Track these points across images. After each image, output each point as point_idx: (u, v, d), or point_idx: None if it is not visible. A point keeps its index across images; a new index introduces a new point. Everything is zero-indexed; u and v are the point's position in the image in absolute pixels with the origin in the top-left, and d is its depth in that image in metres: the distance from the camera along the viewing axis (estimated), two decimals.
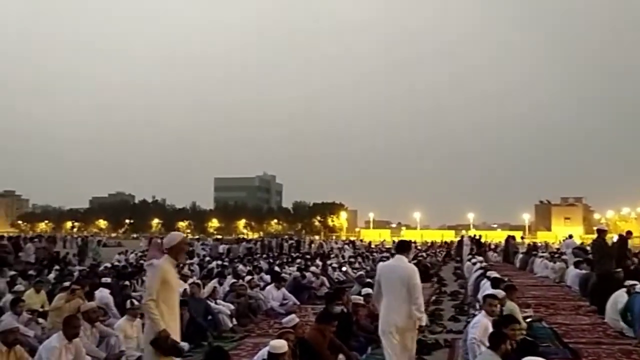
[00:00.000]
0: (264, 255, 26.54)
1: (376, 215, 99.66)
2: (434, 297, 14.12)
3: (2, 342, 5.50)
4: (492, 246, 41.31)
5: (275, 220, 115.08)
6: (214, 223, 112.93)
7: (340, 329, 7.09)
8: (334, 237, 63.59)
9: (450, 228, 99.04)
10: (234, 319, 10.01)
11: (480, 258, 18.72)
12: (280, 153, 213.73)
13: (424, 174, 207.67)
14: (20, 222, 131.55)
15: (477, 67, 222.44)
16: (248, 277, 12.94)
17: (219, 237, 66.93)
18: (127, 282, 12.26)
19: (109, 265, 17.96)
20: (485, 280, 11.31)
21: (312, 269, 15.81)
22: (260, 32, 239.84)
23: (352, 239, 60.16)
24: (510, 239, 32.02)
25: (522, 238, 59.45)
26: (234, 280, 12.17)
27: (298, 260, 20.69)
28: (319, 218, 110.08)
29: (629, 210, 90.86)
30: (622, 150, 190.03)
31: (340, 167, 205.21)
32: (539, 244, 43.30)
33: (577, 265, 16.41)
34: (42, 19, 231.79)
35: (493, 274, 11.74)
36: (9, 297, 9.36)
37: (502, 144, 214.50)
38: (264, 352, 5.45)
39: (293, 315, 6.61)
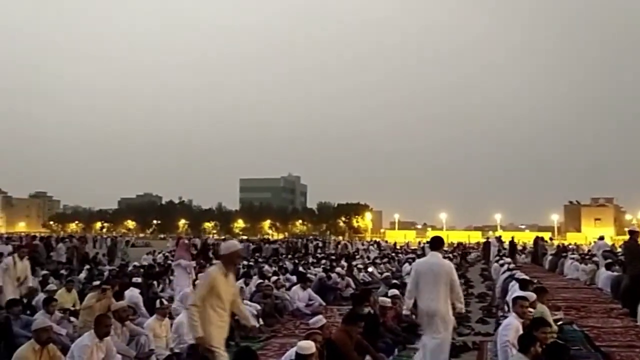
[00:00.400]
0: (289, 256, 26.64)
1: (401, 216, 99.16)
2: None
3: (36, 341, 5.61)
4: (520, 247, 40.67)
5: (300, 221, 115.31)
6: (240, 224, 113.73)
7: (367, 330, 7.06)
8: (356, 239, 63.25)
9: (476, 229, 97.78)
10: (260, 319, 10.06)
11: (509, 259, 18.47)
12: (305, 154, 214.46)
13: (450, 174, 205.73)
14: (51, 222, 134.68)
15: (502, 66, 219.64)
16: (274, 278, 12.99)
17: (245, 237, 67.39)
18: (154, 282, 12.42)
19: (137, 264, 18.26)
20: (513, 282, 11.15)
21: (338, 269, 15.80)
22: (283, 33, 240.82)
23: (377, 239, 59.87)
24: (539, 240, 31.46)
25: (551, 239, 58.22)
26: (260, 281, 12.23)
27: (323, 261, 20.70)
28: (343, 219, 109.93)
29: None
30: None
31: (365, 168, 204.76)
32: (569, 246, 42.41)
33: (608, 267, 16.07)
34: (58, 24, 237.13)
35: (521, 275, 11.57)
36: (41, 296, 9.57)
37: (531, 144, 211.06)
38: (291, 352, 5.46)
39: (320, 316, 6.60)
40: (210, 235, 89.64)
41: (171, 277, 13.95)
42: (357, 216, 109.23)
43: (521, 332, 5.92)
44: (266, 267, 17.21)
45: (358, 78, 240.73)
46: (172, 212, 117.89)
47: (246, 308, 9.82)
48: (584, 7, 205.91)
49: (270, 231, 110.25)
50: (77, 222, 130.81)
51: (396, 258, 26.10)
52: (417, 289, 6.36)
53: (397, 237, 67.90)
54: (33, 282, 12.13)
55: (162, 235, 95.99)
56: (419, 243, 48.07)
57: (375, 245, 41.11)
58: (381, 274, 18.39)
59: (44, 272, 13.61)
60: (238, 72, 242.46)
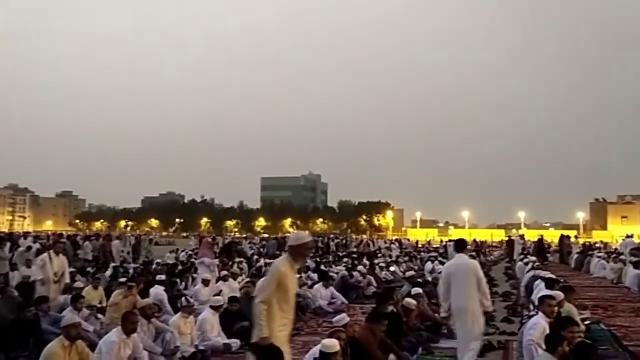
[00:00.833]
0: (311, 254, 26.67)
1: (423, 214, 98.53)
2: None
3: (65, 337, 5.70)
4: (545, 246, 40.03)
5: (321, 219, 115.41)
6: (261, 222, 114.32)
7: (390, 329, 7.03)
8: (375, 237, 63.01)
9: (499, 227, 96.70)
10: None
11: (533, 258, 18.22)
12: (325, 152, 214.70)
13: (473, 172, 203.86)
14: (77, 221, 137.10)
15: (523, 64, 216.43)
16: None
17: (266, 235, 67.66)
18: (178, 280, 12.56)
19: (160, 262, 18.48)
20: (539, 280, 10.99)
21: (360, 268, 15.74)
22: (301, 33, 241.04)
23: (398, 238, 59.57)
24: (565, 238, 30.95)
25: (576, 237, 57.25)
26: None
27: (345, 259, 20.67)
28: (364, 217, 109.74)
29: None
30: None
31: (386, 166, 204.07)
32: (595, 244, 41.63)
33: (636, 265, 15.78)
34: (93, 18, 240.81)
35: (547, 274, 11.39)
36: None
37: (556, 140, 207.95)
38: (315, 350, 5.46)
39: (344, 314, 6.60)
40: (233, 234, 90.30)
41: (194, 275, 14.11)
42: (378, 214, 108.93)
43: (548, 331, 5.83)
44: None
45: (378, 77, 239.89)
46: (194, 211, 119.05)
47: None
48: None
49: (291, 229, 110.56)
50: (102, 220, 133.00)
51: (418, 256, 25.94)
52: (449, 290, 6.71)
53: (419, 235, 67.47)
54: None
55: (184, 234, 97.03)
56: (441, 241, 47.71)
57: (397, 244, 40.89)
58: (403, 272, 18.30)
59: (71, 269, 13.83)
60: (258, 72, 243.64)
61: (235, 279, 12.57)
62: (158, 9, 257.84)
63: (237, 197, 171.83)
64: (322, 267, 16.95)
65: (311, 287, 12.79)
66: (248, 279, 13.27)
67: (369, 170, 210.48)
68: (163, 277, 11.27)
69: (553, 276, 10.86)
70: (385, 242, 43.39)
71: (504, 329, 9.64)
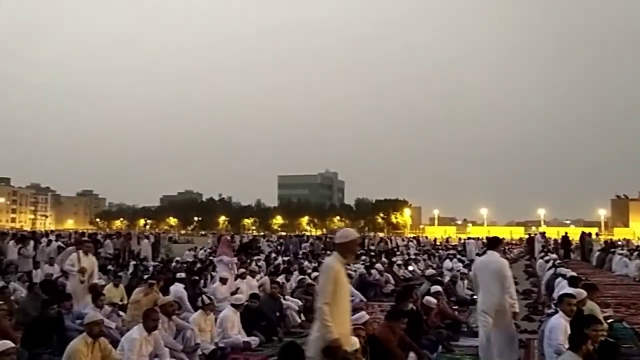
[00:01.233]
0: (328, 252, 26.67)
1: (441, 212, 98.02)
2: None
3: (87, 334, 5.76)
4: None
5: (338, 217, 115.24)
6: (278, 220, 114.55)
7: (410, 327, 7.00)
8: (393, 235, 62.69)
9: (519, 224, 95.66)
10: (301, 315, 10.11)
11: (554, 256, 18.00)
12: (342, 150, 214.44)
13: (491, 169, 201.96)
14: (98, 219, 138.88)
15: (547, 64, 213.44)
16: (314, 274, 13.02)
17: (283, 233, 67.84)
18: (196, 278, 12.65)
19: (179, 260, 18.64)
20: (560, 278, 10.85)
21: (378, 266, 15.70)
22: (318, 35, 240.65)
23: (416, 235, 59.28)
24: (586, 235, 30.51)
25: (597, 235, 56.48)
26: (301, 277, 12.28)
27: (363, 258, 20.64)
28: (382, 215, 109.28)
29: None
30: None
31: (404, 164, 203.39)
32: (617, 241, 40.96)
33: None
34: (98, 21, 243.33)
35: (568, 272, 11.25)
36: (81, 287, 9.69)
37: (576, 137, 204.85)
38: None
39: (363, 312, 6.57)
40: (250, 232, 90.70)
41: (213, 273, 14.20)
42: (395, 212, 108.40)
43: (569, 331, 5.75)
44: (306, 262, 17.27)
45: (397, 74, 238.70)
46: (212, 209, 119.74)
47: (288, 303, 9.98)
48: None
49: (308, 227, 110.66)
50: (121, 219, 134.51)
51: (436, 254, 25.79)
52: (477, 286, 6.96)
53: (437, 233, 67.10)
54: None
55: (203, 232, 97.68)
56: (459, 239, 47.34)
57: (415, 242, 40.69)
58: (422, 270, 18.21)
59: None
60: (275, 73, 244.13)
61: (253, 277, 12.63)
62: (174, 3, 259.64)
63: (255, 195, 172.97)
64: None
65: None
66: (266, 277, 13.34)
67: (386, 168, 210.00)
68: (183, 275, 11.36)
69: (575, 274, 10.73)
70: (403, 240, 43.20)
71: (525, 327, 9.53)
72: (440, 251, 28.89)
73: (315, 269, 14.48)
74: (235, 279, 11.95)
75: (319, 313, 4.35)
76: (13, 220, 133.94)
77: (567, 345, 5.41)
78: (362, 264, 17.20)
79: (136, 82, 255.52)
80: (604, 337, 6.11)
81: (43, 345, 7.03)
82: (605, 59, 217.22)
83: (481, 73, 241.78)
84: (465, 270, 14.80)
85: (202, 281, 13.06)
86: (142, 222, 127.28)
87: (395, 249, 29.90)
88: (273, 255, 22.79)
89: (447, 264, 18.11)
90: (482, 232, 62.44)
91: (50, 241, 19.24)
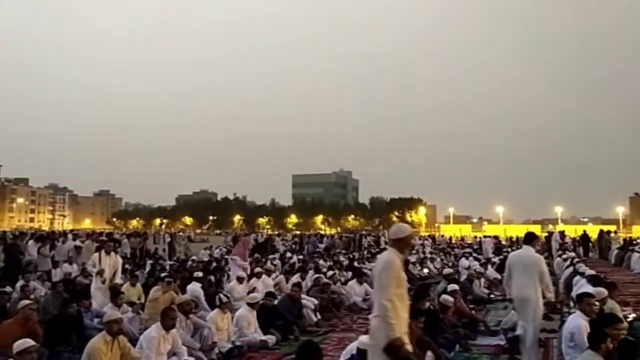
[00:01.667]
0: (344, 251, 26.66)
1: (456, 210, 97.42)
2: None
3: (107, 332, 5.83)
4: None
5: (352, 216, 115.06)
6: (293, 219, 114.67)
7: (427, 326, 6.97)
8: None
9: (535, 223, 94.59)
10: (317, 314, 10.11)
11: (573, 254, 17.79)
12: (356, 149, 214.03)
13: (507, 167, 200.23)
14: (114, 219, 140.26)
15: (563, 62, 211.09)
16: (330, 273, 13.03)
17: (298, 232, 67.91)
18: (212, 277, 12.72)
19: (195, 259, 18.75)
20: (578, 277, 10.72)
21: None
22: (327, 34, 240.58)
23: (431, 234, 58.92)
24: (604, 233, 30.08)
25: (615, 232, 55.60)
26: (317, 275, 12.29)
27: (379, 256, 20.58)
28: (396, 213, 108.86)
29: None
30: None
31: (418, 162, 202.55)
32: (637, 239, 40.31)
33: None
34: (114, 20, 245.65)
35: (587, 270, 11.11)
36: (102, 287, 9.73)
37: (593, 134, 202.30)
38: (352, 347, 5.45)
39: None
40: (265, 231, 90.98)
41: (228, 272, 14.28)
42: (410, 211, 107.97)
43: (588, 330, 5.68)
44: (321, 261, 17.28)
45: (409, 74, 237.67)
46: (227, 209, 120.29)
47: (305, 302, 9.98)
48: None
49: (322, 226, 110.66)
50: (137, 218, 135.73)
51: (452, 253, 25.64)
52: (511, 279, 7.02)
53: (453, 231, 66.58)
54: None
55: (218, 231, 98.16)
56: (475, 237, 47.00)
57: (430, 240, 40.47)
58: (438, 269, 18.11)
59: None
60: (289, 71, 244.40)
61: (269, 276, 12.66)
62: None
63: (269, 194, 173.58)
64: (355, 263, 16.92)
65: (345, 283, 12.78)
66: (281, 275, 13.37)
67: (400, 167, 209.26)
68: (200, 274, 11.42)
69: (593, 272, 10.59)
70: (419, 239, 42.97)
71: (544, 326, 9.40)
72: (456, 250, 28.70)
73: (330, 268, 14.47)
74: (251, 278, 11.99)
75: (382, 310, 4.25)
76: (32, 220, 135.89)
77: (586, 343, 5.35)
78: None
79: (152, 83, 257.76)
80: (624, 336, 6.04)
81: (63, 343, 7.11)
82: (625, 57, 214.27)
83: (498, 73, 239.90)
84: (482, 269, 14.70)
85: (218, 280, 13.11)
86: (157, 221, 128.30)
87: (411, 248, 29.78)
88: (288, 254, 22.84)
89: (464, 262, 17.98)
90: (498, 231, 61.80)
91: (65, 240, 19.43)
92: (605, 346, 5.00)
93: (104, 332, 5.87)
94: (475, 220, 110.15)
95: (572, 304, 9.11)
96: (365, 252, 24.61)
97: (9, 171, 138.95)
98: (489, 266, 17.05)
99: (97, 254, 9.91)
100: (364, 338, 5.08)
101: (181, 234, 45.68)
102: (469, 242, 42.31)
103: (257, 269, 12.66)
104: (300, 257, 20.67)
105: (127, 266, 15.14)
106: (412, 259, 19.39)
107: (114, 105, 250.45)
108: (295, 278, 12.15)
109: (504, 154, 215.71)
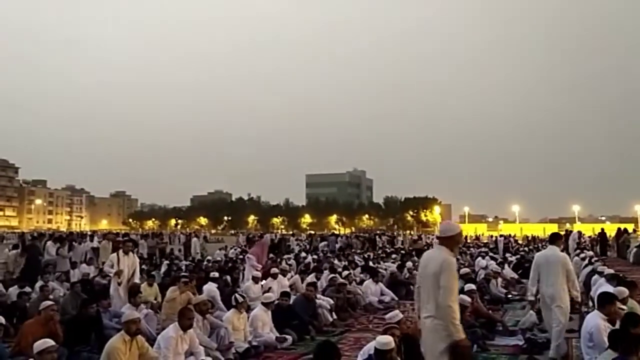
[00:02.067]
0: (359, 250, 26.62)
1: (471, 209, 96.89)
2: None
3: (125, 332, 5.88)
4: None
5: (367, 216, 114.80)
6: (307, 219, 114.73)
7: None
8: (421, 233, 61.99)
9: (552, 221, 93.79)
10: (333, 314, 10.10)
11: (590, 253, 17.56)
12: (370, 148, 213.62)
13: (523, 165, 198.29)
14: (130, 220, 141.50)
15: (577, 59, 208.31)
16: (345, 272, 13.00)
17: (312, 232, 67.94)
18: (228, 277, 12.77)
19: (210, 259, 18.83)
20: (597, 276, 10.58)
21: (408, 264, 15.57)
22: (343, 34, 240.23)
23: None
24: (623, 232, 29.66)
25: (634, 231, 54.79)
26: (332, 275, 12.27)
27: (393, 256, 20.52)
28: (411, 213, 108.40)
29: None
30: None
31: (433, 161, 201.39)
32: None
33: None
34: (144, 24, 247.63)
35: (606, 269, 10.96)
36: (120, 288, 9.80)
37: (609, 131, 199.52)
38: (369, 347, 5.42)
39: (397, 311, 6.51)
40: (279, 231, 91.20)
41: (245, 272, 14.31)
42: (425, 210, 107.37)
43: (607, 329, 5.61)
44: (336, 261, 17.26)
45: (423, 73, 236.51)
46: (241, 209, 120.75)
47: (320, 302, 9.98)
48: None
49: (337, 226, 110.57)
50: (153, 219, 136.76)
51: (468, 252, 25.44)
52: (538, 278, 7.24)
53: (468, 230, 66.10)
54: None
55: (232, 231, 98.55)
56: (491, 236, 46.64)
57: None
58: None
59: None
60: (303, 72, 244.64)
61: (284, 276, 12.67)
62: None
63: (283, 194, 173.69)
64: (371, 263, 16.87)
65: (360, 283, 12.75)
66: (297, 275, 13.37)
67: (414, 166, 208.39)
68: (216, 274, 11.46)
69: (612, 271, 10.45)
70: (437, 239, 42.74)
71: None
72: (472, 249, 28.49)
73: (345, 268, 14.44)
74: (266, 279, 12.01)
75: (446, 312, 4.16)
76: (50, 221, 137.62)
77: (606, 343, 5.27)
78: (393, 263, 17.10)
79: (168, 86, 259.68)
80: None
81: (82, 343, 7.18)
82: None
83: (512, 68, 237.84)
84: (499, 269, 14.56)
85: (234, 280, 13.15)
86: (173, 222, 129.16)
87: (426, 247, 29.64)
88: (302, 254, 22.85)
89: (481, 262, 17.84)
90: (515, 230, 61.33)
91: (82, 241, 19.67)
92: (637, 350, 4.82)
93: (122, 332, 5.92)
94: (490, 220, 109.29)
95: (590, 303, 9.01)
96: (380, 252, 24.53)
97: (28, 173, 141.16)
98: (506, 265, 16.90)
99: (115, 254, 9.88)
100: (382, 338, 5.05)
101: (197, 234, 45.95)
102: (485, 241, 41.97)
103: (273, 270, 12.67)
104: (315, 257, 20.67)
105: (143, 266, 15.31)
106: None
107: (129, 108, 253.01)
108: (310, 278, 12.14)
109: (520, 152, 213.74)
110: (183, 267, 15.69)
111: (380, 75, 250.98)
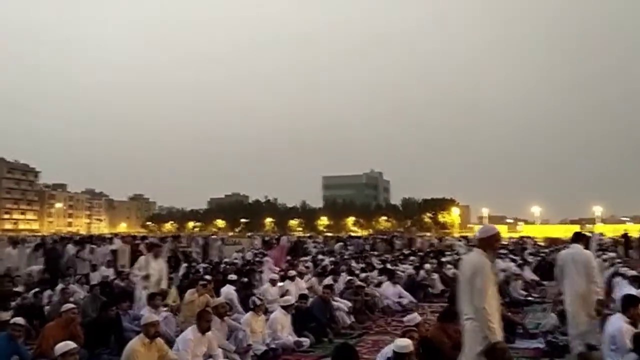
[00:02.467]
0: (376, 253, 26.50)
1: (490, 210, 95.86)
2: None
3: (145, 335, 5.93)
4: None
5: (384, 218, 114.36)
6: (324, 221, 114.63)
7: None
8: (438, 235, 61.35)
9: (573, 222, 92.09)
10: (351, 316, 10.06)
11: (613, 254, 17.27)
12: (386, 150, 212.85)
13: (543, 165, 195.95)
14: (149, 223, 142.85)
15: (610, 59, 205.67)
16: (362, 275, 12.94)
17: (330, 234, 67.88)
18: (246, 279, 12.80)
19: (227, 261, 18.92)
20: (619, 278, 10.40)
21: (426, 266, 15.46)
22: (358, 35, 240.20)
23: (465, 235, 58.01)
24: None
25: None
26: (350, 278, 12.24)
27: (411, 258, 20.39)
28: (429, 214, 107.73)
29: None
30: None
31: (450, 161, 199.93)
32: None
33: None
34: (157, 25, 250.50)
35: (627, 271, 10.77)
36: (144, 292, 10.00)
37: (631, 130, 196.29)
38: (388, 350, 5.39)
39: (415, 314, 6.48)
40: (296, 233, 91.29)
41: (262, 275, 14.36)
42: (443, 211, 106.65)
43: (630, 332, 5.51)
44: (353, 263, 17.20)
45: (440, 72, 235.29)
46: (258, 211, 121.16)
47: (338, 304, 9.95)
48: None
49: (354, 228, 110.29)
50: (171, 222, 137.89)
51: None
52: (563, 277, 7.22)
53: None
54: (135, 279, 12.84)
55: (249, 233, 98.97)
56: (510, 238, 46.10)
57: (465, 241, 39.84)
58: None
59: None
60: (319, 73, 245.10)
61: (302, 278, 12.68)
62: None
63: (300, 196, 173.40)
64: (388, 265, 16.78)
65: (378, 285, 12.70)
66: (314, 278, 13.36)
67: (432, 167, 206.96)
68: (234, 276, 11.51)
69: (635, 273, 10.27)
70: (459, 240, 42.28)
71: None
72: None
73: (363, 270, 14.39)
74: (284, 281, 12.03)
75: (481, 314, 4.21)
76: (69, 224, 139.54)
77: (628, 345, 5.19)
78: (411, 265, 16.99)
79: (184, 88, 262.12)
80: None
81: (102, 345, 7.27)
82: None
83: (535, 71, 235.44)
84: (519, 271, 14.39)
85: (251, 282, 13.19)
86: (190, 224, 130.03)
87: (446, 249, 29.38)
88: (320, 256, 22.81)
89: (500, 264, 17.61)
90: (535, 231, 60.62)
91: (101, 244, 19.90)
92: None
93: (141, 334, 5.97)
94: (510, 221, 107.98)
95: (612, 305, 8.85)
96: (397, 254, 24.40)
97: (48, 177, 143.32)
98: (526, 267, 16.69)
99: (144, 257, 9.84)
100: (401, 341, 5.02)
101: (215, 236, 46.22)
102: (504, 242, 41.42)
103: (290, 272, 12.68)
104: (332, 259, 20.62)
105: None
106: (447, 259, 19.12)
107: (146, 111, 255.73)
108: (328, 280, 12.13)
109: (540, 152, 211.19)
110: (201, 270, 15.76)
111: (395, 77, 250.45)
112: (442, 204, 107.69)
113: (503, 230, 69.97)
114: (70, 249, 16.45)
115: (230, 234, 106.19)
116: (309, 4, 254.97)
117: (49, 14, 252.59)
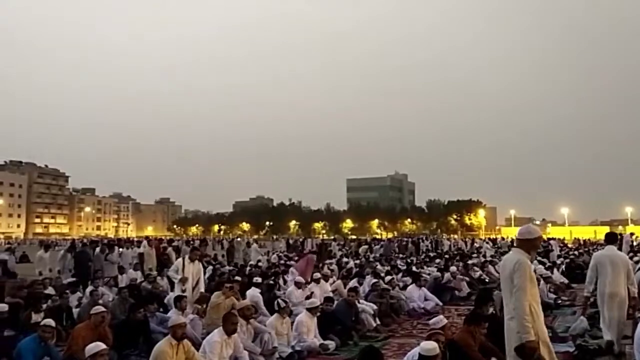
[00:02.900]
0: (401, 255, 26.35)
1: (518, 211, 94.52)
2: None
3: (172, 336, 6.00)
4: None
5: (409, 220, 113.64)
6: (348, 223, 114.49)
7: (490, 331, 6.75)
8: (464, 237, 60.61)
9: (603, 224, 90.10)
10: (377, 319, 10.01)
11: None
12: (411, 151, 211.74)
13: (572, 165, 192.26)
14: (175, 226, 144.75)
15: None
16: (388, 277, 12.88)
17: (354, 237, 67.71)
18: (271, 281, 12.85)
19: (252, 263, 19.01)
20: None
21: (452, 269, 15.30)
22: (377, 37, 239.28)
23: (492, 237, 57.24)
24: None
25: None
26: (375, 280, 12.19)
27: (437, 260, 20.22)
28: (455, 216, 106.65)
29: None
30: None
31: (476, 162, 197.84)
32: None
33: None
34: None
35: None
36: (171, 295, 10.10)
37: None
38: (414, 353, 5.33)
39: (441, 317, 6.39)
40: (321, 236, 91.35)
41: (286, 277, 14.40)
42: (469, 213, 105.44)
43: None
44: (379, 266, 17.12)
45: (464, 73, 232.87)
46: (283, 214, 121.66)
47: (363, 307, 9.92)
48: None
49: (379, 230, 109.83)
50: (197, 225, 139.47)
51: None
52: (597, 276, 7.31)
53: (514, 234, 64.34)
54: (163, 283, 13.03)
55: (274, 236, 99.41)
56: (544, 238, 45.28)
57: (491, 243, 39.33)
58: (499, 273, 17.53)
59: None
60: (342, 77, 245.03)
61: (326, 281, 12.67)
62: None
63: (324, 199, 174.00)
64: (414, 268, 16.67)
65: (403, 288, 12.61)
66: (339, 280, 13.34)
67: (458, 168, 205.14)
68: (259, 279, 11.56)
69: None
70: (487, 242, 41.77)
71: None
72: None
73: (388, 273, 14.31)
74: (309, 284, 12.03)
75: (519, 312, 4.27)
76: (98, 228, 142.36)
77: None
78: (436, 267, 16.84)
79: (208, 94, 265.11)
80: None
81: (131, 347, 7.38)
82: None
83: (561, 74, 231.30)
84: (548, 273, 14.12)
85: (275, 285, 13.23)
86: (216, 227, 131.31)
87: (474, 252, 29.05)
88: (344, 259, 22.76)
89: None
90: (564, 233, 59.40)
91: (129, 247, 20.23)
92: None
93: (169, 336, 6.04)
94: (538, 222, 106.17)
95: None
96: (423, 257, 24.22)
97: (77, 182, 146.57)
98: (555, 270, 16.38)
99: (180, 260, 9.86)
100: (427, 344, 4.97)
101: (240, 239, 46.58)
102: None
103: (316, 275, 12.68)
104: (357, 261, 20.57)
105: None
106: (473, 262, 18.90)
107: (172, 117, 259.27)
108: (353, 283, 12.10)
109: (568, 153, 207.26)
110: (226, 273, 15.87)
111: (419, 78, 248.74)
112: (469, 206, 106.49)
113: None
114: (99, 252, 16.72)
115: (255, 236, 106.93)
116: (337, 5, 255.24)
117: (96, 21, 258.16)
